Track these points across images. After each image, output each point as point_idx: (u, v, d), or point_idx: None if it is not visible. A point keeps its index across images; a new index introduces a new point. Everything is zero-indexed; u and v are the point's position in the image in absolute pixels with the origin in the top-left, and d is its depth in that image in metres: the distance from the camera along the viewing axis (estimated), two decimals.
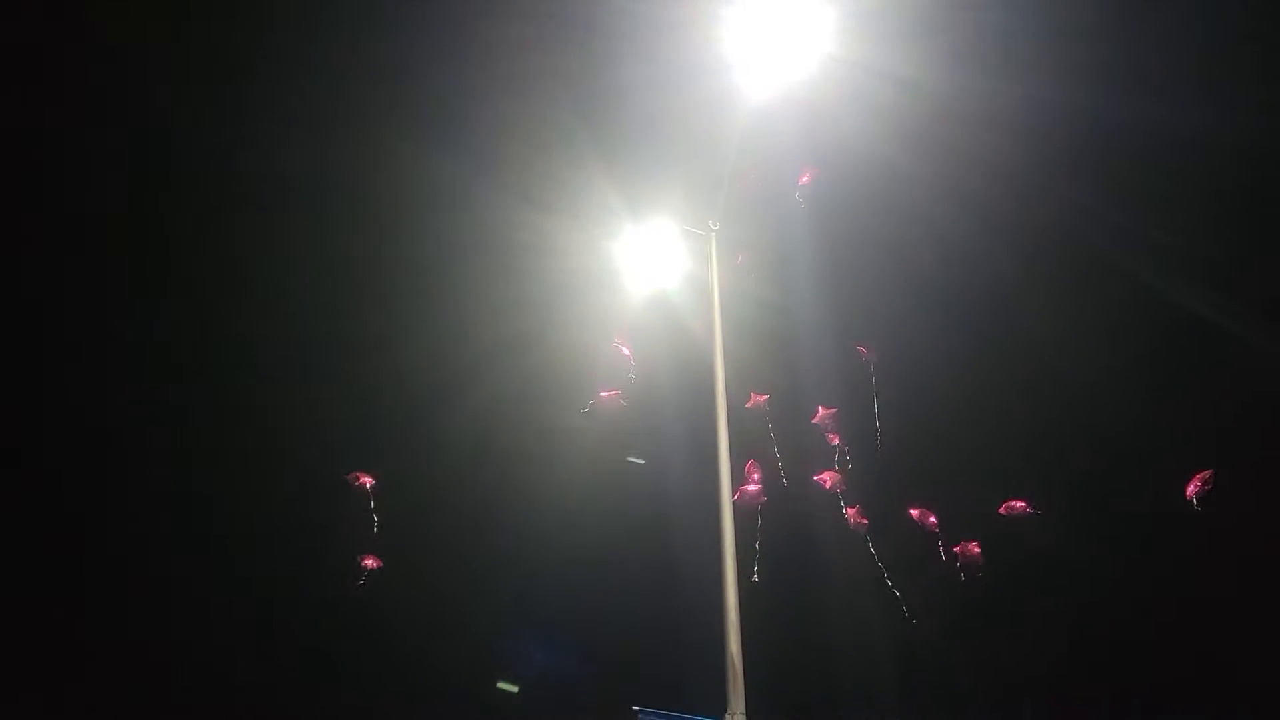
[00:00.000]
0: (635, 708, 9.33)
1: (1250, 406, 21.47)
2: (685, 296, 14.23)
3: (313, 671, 23.03)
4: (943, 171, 18.12)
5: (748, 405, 15.89)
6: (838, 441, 16.88)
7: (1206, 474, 15.12)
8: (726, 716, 9.37)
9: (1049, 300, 21.54)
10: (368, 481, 18.23)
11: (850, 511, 16.17)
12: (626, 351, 16.10)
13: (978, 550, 17.26)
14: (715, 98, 14.23)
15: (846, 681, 22.40)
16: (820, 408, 17.42)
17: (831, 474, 16.23)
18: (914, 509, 17.29)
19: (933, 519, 17.82)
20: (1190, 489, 15.15)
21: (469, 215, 18.97)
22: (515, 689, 22.52)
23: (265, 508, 23.12)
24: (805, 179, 16.29)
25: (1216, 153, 18.08)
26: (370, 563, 19.13)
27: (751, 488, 12.87)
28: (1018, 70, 16.90)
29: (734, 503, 11.26)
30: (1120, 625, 23.43)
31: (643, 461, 20.97)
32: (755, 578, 11.16)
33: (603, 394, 16.74)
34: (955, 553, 17.47)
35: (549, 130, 17.29)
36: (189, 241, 21.00)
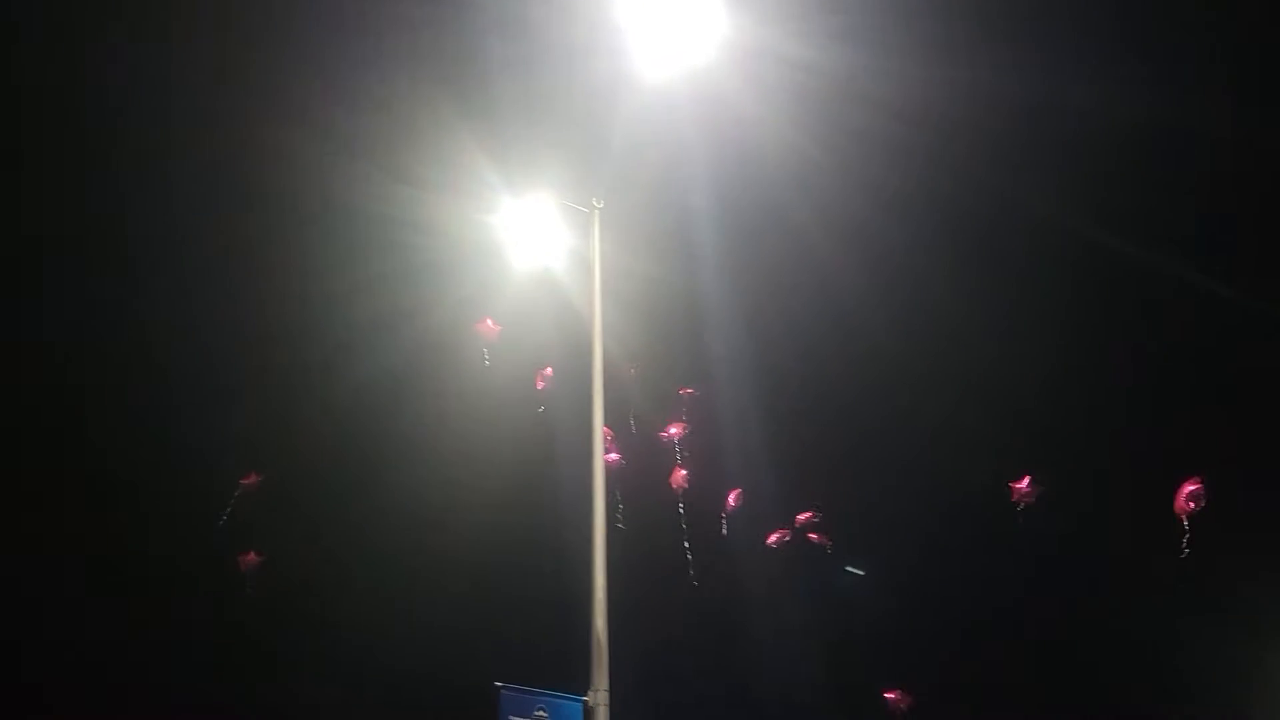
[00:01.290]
0: (498, 684, 9.18)
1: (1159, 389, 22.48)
2: (571, 273, 14.05)
3: (192, 663, 22.21)
4: (839, 151, 18.31)
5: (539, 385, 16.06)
6: (677, 434, 17.09)
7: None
8: (590, 693, 9.34)
9: (947, 279, 21.99)
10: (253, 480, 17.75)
11: (678, 474, 16.39)
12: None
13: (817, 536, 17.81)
14: (605, 76, 14.09)
15: (712, 662, 22.80)
16: (682, 389, 17.62)
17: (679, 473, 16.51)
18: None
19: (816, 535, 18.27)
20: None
21: (336, 191, 18.28)
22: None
23: (130, 496, 22.18)
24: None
25: (1113, 131, 18.68)
26: (250, 558, 18.62)
27: (612, 455, 12.79)
28: (917, 51, 17.14)
29: (606, 483, 11.26)
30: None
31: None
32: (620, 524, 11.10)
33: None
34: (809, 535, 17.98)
35: (423, 106, 16.78)
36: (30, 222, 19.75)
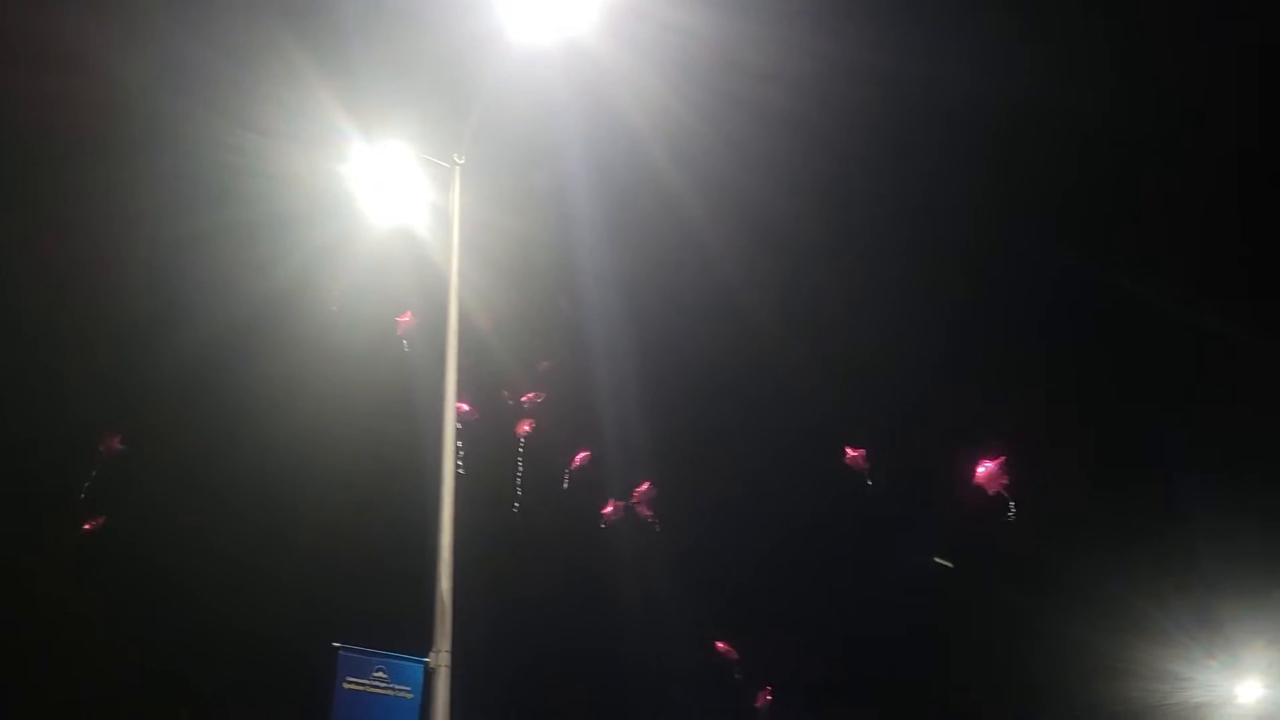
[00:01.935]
0: (336, 644, 8.98)
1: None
2: (432, 229, 13.69)
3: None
4: (716, 118, 18.36)
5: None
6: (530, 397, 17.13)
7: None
8: (431, 654, 9.24)
9: (821, 250, 22.41)
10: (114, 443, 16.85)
11: (523, 426, 16.49)
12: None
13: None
14: (476, 31, 13.67)
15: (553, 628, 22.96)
16: (541, 361, 17.59)
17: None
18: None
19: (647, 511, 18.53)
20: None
21: (181, 136, 17.16)
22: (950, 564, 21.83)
23: None
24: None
25: (989, 110, 19.34)
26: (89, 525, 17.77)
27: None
28: (799, 20, 17.29)
29: (458, 445, 11.11)
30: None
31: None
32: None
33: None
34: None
35: (273, 49, 15.87)
36: None
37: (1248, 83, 20.00)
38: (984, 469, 15.36)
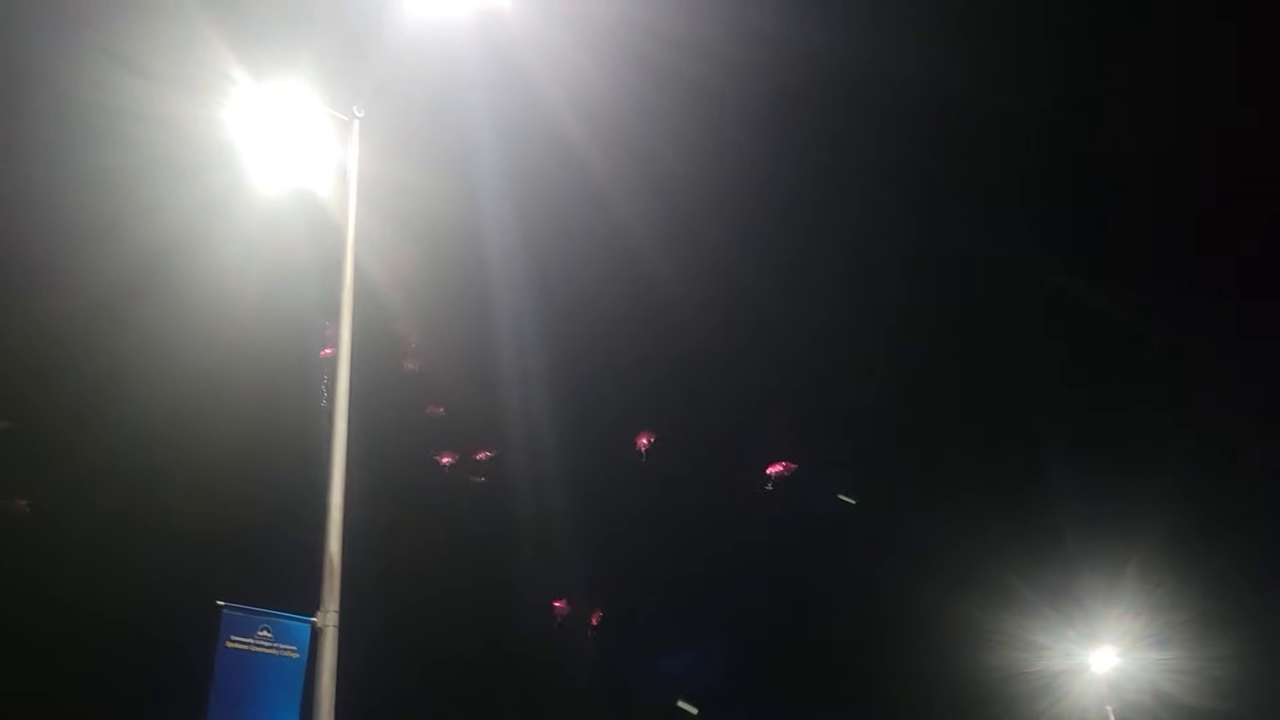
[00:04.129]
0: (220, 603, 8.73)
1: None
2: (328, 182, 13.26)
3: None
4: (625, 81, 18.32)
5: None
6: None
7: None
8: (319, 613, 9.07)
9: (723, 214, 22.60)
10: None
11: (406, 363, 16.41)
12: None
13: None
14: None
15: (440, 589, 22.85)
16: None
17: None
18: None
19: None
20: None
21: (52, 74, 16.06)
22: (694, 711, 21.67)
23: None
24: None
25: (909, 82, 19.77)
26: None
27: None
28: None
29: (349, 403, 10.88)
30: None
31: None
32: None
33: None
34: None
35: None
36: None
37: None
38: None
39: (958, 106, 20.95)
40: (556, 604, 21.96)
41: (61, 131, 16.66)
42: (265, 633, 8.69)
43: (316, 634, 8.95)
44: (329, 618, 9.10)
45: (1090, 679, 25.62)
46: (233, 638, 8.56)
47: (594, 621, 23.54)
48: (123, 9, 15.05)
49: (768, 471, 21.81)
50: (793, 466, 21.90)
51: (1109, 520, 24.92)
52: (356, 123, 12.83)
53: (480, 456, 18.52)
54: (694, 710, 24.59)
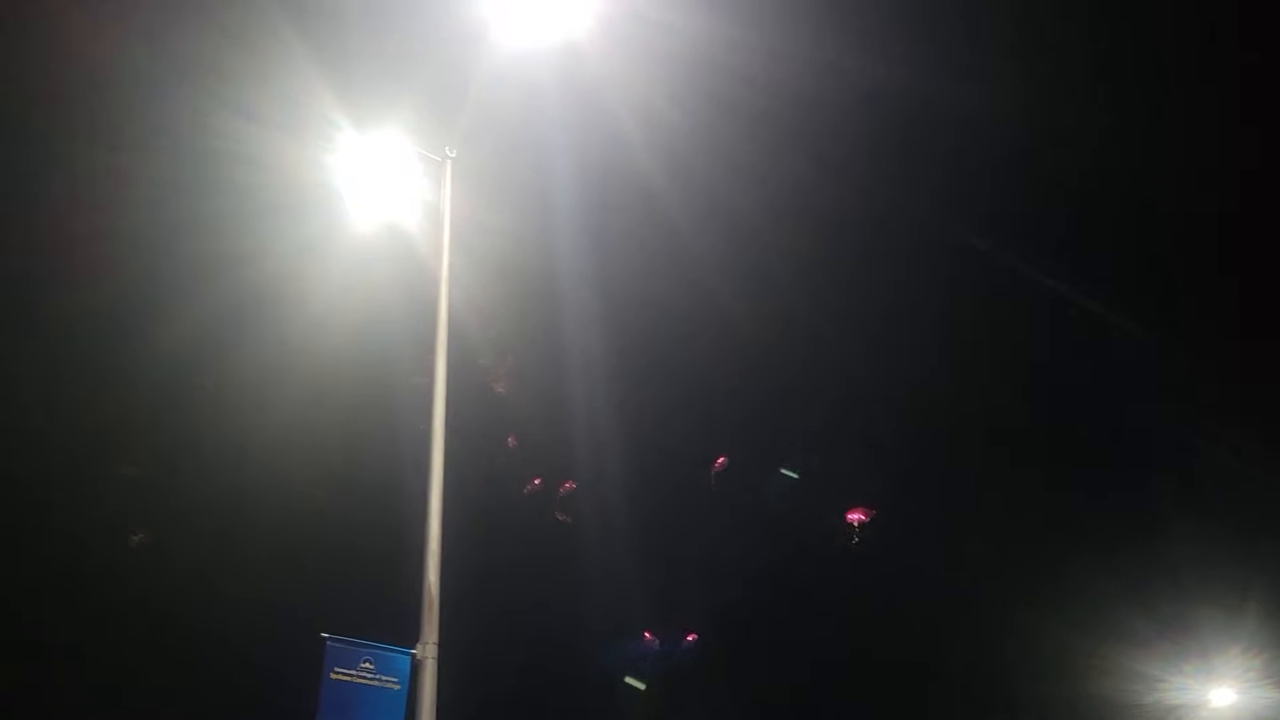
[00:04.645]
0: (324, 635, 8.93)
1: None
2: (417, 221, 13.67)
3: None
4: (699, 119, 18.44)
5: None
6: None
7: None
8: (418, 645, 9.20)
9: (794, 254, 22.48)
10: None
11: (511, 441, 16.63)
12: None
13: None
14: (469, 24, 13.65)
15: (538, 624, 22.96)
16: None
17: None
18: None
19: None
20: None
21: (165, 117, 16.97)
22: (642, 686, 22.13)
23: None
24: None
25: (963, 121, 19.50)
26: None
27: None
28: (783, 27, 17.36)
29: (445, 438, 11.07)
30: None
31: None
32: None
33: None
34: None
35: (266, 33, 15.77)
36: None
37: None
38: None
39: (1024, 144, 20.46)
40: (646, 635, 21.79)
41: (179, 174, 17.55)
42: (367, 665, 8.86)
43: (416, 666, 9.08)
44: (428, 649, 9.21)
45: (1209, 716, 24.43)
46: (336, 669, 8.75)
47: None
48: (240, 57, 15.78)
49: (849, 519, 21.27)
50: (871, 512, 21.30)
51: (1227, 548, 23.66)
52: (449, 163, 13.19)
53: (566, 487, 18.62)
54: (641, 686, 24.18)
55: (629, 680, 24.18)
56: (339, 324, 17.03)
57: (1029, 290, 22.95)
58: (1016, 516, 23.69)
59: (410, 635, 9.19)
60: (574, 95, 16.93)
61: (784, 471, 24.21)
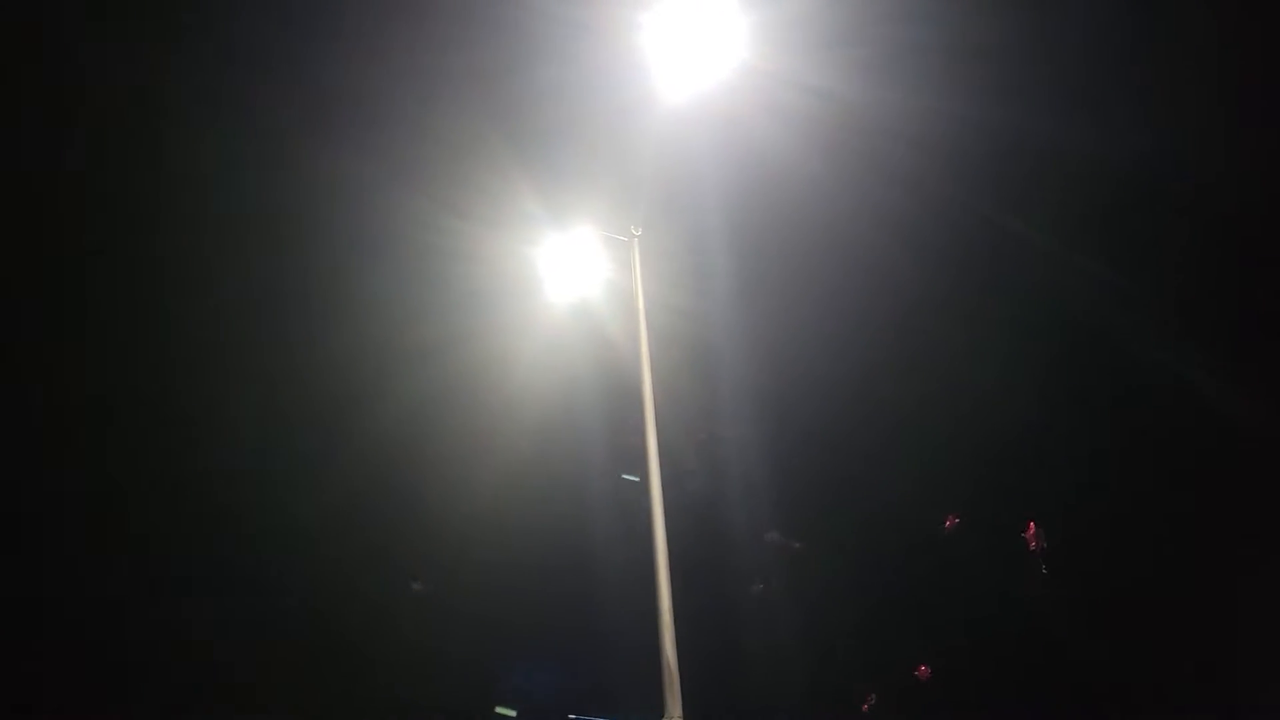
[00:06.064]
0: (571, 717, 9.17)
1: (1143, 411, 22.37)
2: (607, 303, 14.18)
3: None
4: (854, 181, 18.51)
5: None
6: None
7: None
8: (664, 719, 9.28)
9: (955, 311, 22.06)
10: None
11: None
12: None
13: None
14: (633, 104, 14.28)
15: (779, 683, 22.61)
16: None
17: None
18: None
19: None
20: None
21: (380, 219, 18.50)
22: (513, 713, 22.18)
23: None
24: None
25: (1114, 166, 18.88)
26: None
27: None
28: (929, 85, 17.36)
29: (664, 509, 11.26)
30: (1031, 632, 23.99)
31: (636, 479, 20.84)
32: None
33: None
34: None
35: (463, 133, 17.02)
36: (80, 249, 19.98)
37: None
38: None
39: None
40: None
41: (397, 270, 19.03)
42: None
43: None
44: None
45: None
46: None
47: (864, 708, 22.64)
48: (451, 159, 17.06)
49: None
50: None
51: None
52: (635, 241, 13.64)
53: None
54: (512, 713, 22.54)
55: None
56: (538, 401, 17.74)
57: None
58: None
59: (658, 709, 9.30)
60: (723, 159, 17.34)
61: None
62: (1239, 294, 21.05)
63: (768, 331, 22.23)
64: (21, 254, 18.89)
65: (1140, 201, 19.73)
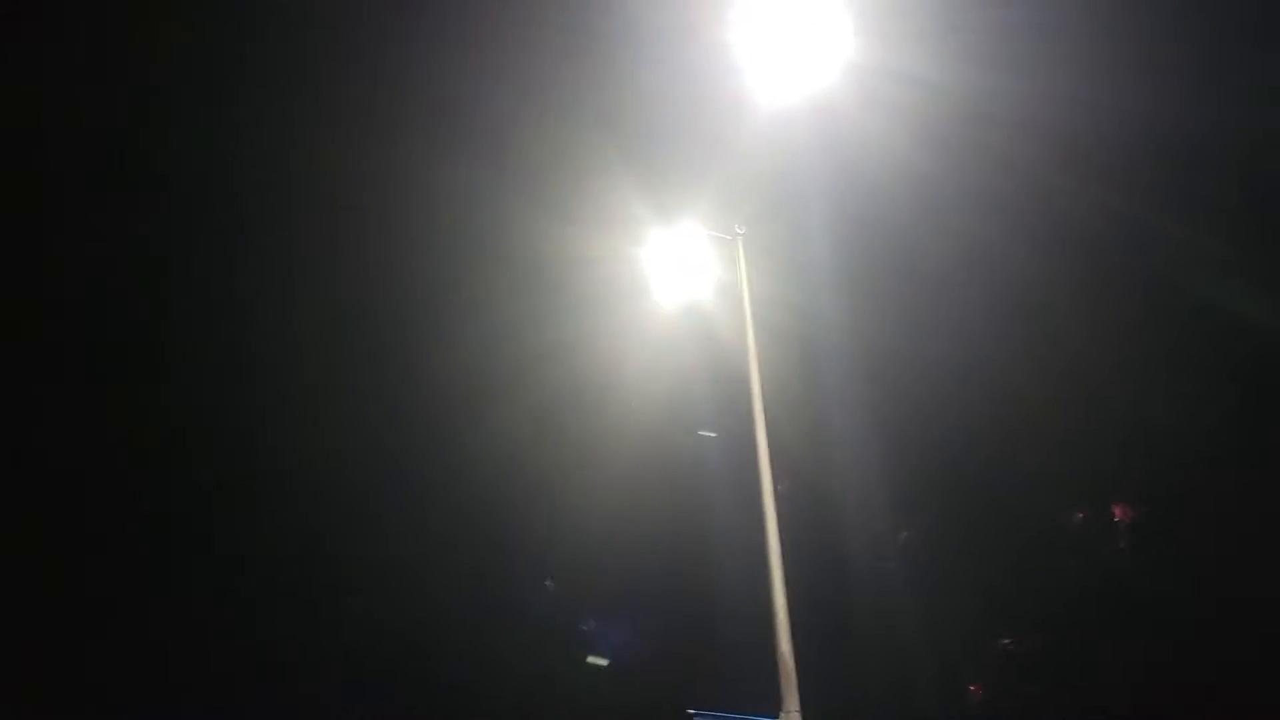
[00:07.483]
0: (690, 710, 9.31)
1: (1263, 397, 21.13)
2: (714, 301, 14.26)
3: None
4: (962, 171, 18.12)
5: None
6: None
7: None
8: (782, 716, 9.33)
9: (1070, 299, 21.33)
10: None
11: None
12: None
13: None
14: (734, 103, 14.32)
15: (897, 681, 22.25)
16: None
17: None
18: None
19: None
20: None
21: (494, 228, 19.03)
22: (605, 662, 22.37)
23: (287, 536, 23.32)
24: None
25: (1231, 148, 17.97)
26: None
27: None
28: (1035, 69, 16.86)
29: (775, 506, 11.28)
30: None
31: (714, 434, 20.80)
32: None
33: None
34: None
35: (571, 140, 17.36)
36: (205, 254, 21.20)
37: None
38: None
39: None
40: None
41: (513, 279, 19.57)
42: None
43: None
44: (792, 718, 9.33)
45: None
46: None
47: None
48: (557, 164, 17.53)
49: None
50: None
51: None
52: (740, 239, 13.68)
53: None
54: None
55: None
56: (651, 402, 17.94)
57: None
58: None
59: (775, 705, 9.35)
60: (826, 154, 17.18)
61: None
62: None
63: (876, 324, 21.90)
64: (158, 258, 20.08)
65: (1261, 184, 18.71)
